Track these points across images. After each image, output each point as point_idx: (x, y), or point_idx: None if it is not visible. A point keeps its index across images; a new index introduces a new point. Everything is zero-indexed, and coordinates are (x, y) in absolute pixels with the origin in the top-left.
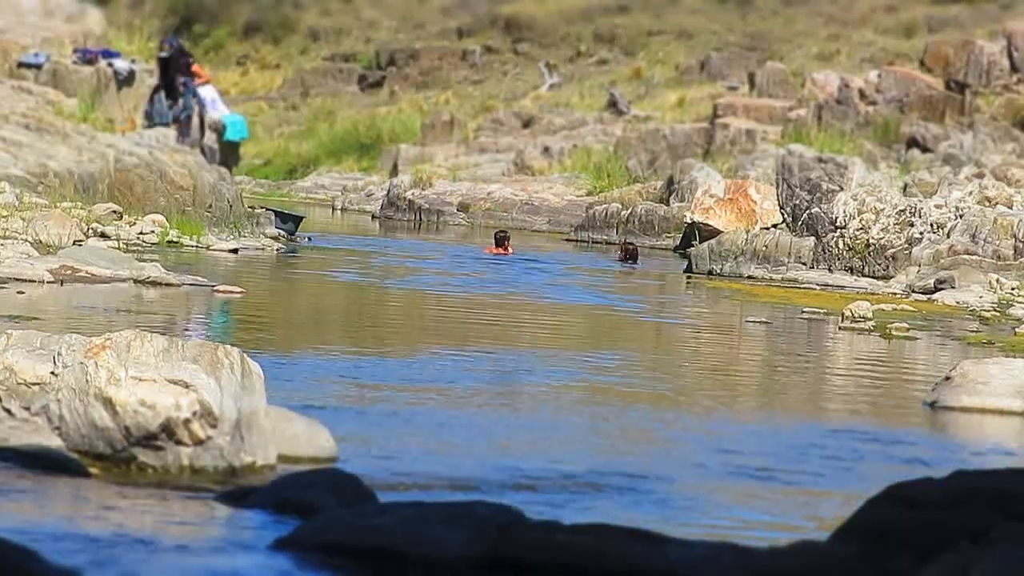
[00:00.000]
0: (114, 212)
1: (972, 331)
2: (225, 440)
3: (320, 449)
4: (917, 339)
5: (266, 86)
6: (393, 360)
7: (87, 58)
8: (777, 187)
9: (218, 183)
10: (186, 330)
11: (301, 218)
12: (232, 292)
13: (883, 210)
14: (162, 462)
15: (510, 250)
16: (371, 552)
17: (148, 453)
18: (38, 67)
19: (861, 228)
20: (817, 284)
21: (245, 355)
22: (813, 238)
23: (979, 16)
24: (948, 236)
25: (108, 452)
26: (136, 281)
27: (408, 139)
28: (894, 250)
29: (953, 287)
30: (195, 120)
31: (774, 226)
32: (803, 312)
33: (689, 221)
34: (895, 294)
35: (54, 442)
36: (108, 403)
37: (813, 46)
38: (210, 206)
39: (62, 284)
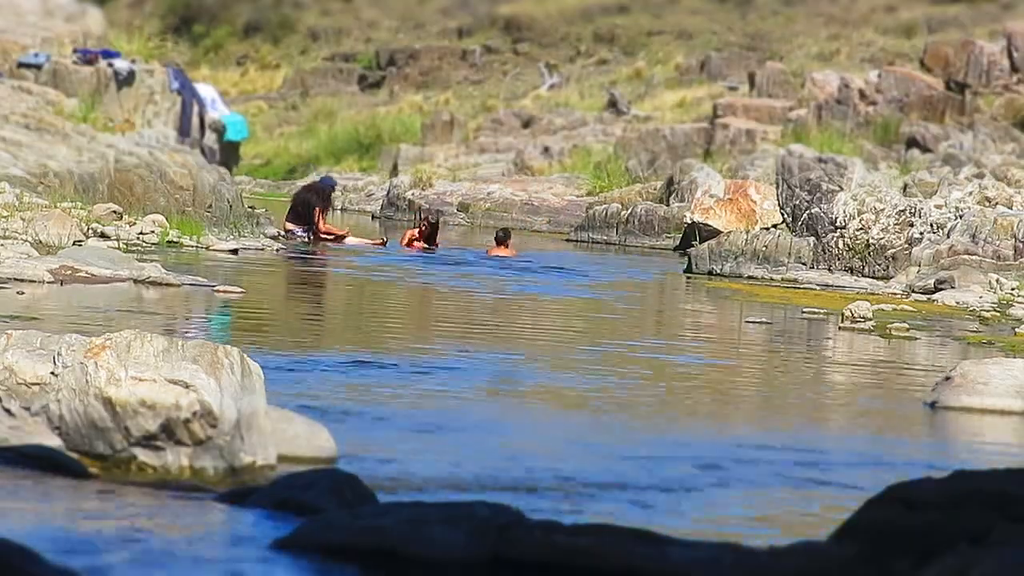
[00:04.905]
0: (114, 212)
1: (972, 331)
2: (225, 440)
3: (320, 449)
4: (917, 339)
5: (266, 86)
6: (393, 360)
7: (87, 58)
8: (777, 187)
9: (218, 183)
10: (186, 330)
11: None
12: (232, 292)
13: (883, 210)
14: (162, 462)
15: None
16: (371, 553)
17: (148, 453)
18: (38, 67)
19: (861, 228)
20: (817, 284)
21: (245, 355)
22: (813, 238)
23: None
24: (948, 236)
25: (108, 452)
26: (136, 281)
27: (408, 139)
28: (894, 250)
29: (953, 287)
30: (195, 121)
31: (774, 226)
32: (803, 312)
33: (689, 221)
34: (895, 294)
35: (54, 442)
36: (108, 403)
37: (813, 46)
38: (210, 206)
39: (62, 284)
